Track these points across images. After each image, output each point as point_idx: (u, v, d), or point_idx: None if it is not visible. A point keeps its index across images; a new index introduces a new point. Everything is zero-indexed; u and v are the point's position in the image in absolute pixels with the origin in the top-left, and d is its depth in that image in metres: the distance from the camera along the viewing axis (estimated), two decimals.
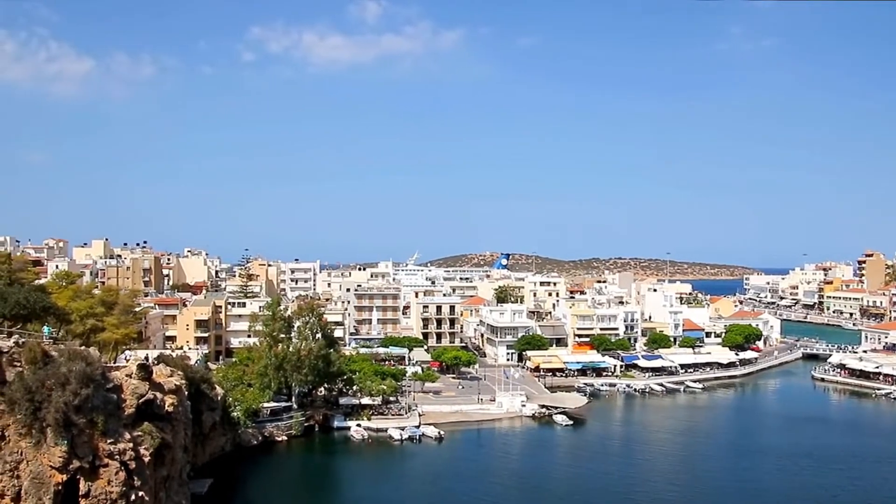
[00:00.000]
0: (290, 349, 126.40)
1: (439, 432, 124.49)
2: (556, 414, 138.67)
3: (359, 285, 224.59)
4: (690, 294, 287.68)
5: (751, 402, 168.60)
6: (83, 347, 66.33)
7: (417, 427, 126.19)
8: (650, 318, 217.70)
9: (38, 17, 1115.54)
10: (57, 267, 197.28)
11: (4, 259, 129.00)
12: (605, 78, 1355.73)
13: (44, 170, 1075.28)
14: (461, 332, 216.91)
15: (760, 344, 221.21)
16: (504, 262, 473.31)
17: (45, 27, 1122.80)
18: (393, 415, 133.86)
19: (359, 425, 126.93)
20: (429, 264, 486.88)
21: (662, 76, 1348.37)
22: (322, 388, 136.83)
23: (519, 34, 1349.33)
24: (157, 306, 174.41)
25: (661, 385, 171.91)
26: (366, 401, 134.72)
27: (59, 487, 56.11)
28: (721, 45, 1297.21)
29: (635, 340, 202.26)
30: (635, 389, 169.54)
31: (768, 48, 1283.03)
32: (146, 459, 61.47)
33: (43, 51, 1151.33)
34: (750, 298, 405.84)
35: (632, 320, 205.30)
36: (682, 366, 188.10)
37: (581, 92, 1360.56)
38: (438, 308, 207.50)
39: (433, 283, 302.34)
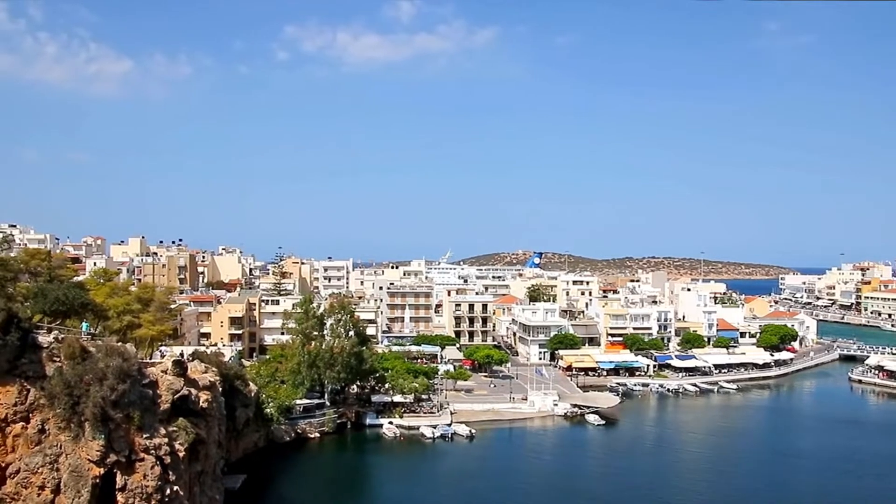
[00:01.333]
0: (323, 346, 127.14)
1: (471, 431, 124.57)
2: (588, 413, 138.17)
3: (391, 283, 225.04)
4: (725, 294, 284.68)
5: (786, 404, 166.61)
6: (120, 343, 67.16)
7: (449, 425, 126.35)
8: (684, 317, 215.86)
9: (79, 18, 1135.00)
10: (95, 264, 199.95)
11: (45, 256, 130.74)
12: (641, 77, 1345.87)
13: (84, 169, 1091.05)
14: (493, 330, 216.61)
15: (796, 345, 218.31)
16: (537, 260, 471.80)
17: (86, 28, 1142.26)
18: (425, 413, 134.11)
19: (391, 423, 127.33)
20: (461, 263, 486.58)
21: (698, 75, 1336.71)
22: (354, 386, 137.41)
23: (554, 32, 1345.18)
24: (192, 303, 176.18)
25: (695, 385, 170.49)
26: (398, 398, 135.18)
27: (97, 480, 56.98)
28: (757, 43, 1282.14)
29: (668, 340, 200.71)
30: (668, 389, 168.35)
31: (805, 45, 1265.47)
32: (181, 454, 62.19)
33: (83, 52, 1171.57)
34: (785, 298, 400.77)
35: (665, 320, 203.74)
36: (716, 366, 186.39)
37: (616, 91, 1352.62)
38: (471, 306, 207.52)
39: (466, 281, 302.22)
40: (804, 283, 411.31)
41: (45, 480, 57.47)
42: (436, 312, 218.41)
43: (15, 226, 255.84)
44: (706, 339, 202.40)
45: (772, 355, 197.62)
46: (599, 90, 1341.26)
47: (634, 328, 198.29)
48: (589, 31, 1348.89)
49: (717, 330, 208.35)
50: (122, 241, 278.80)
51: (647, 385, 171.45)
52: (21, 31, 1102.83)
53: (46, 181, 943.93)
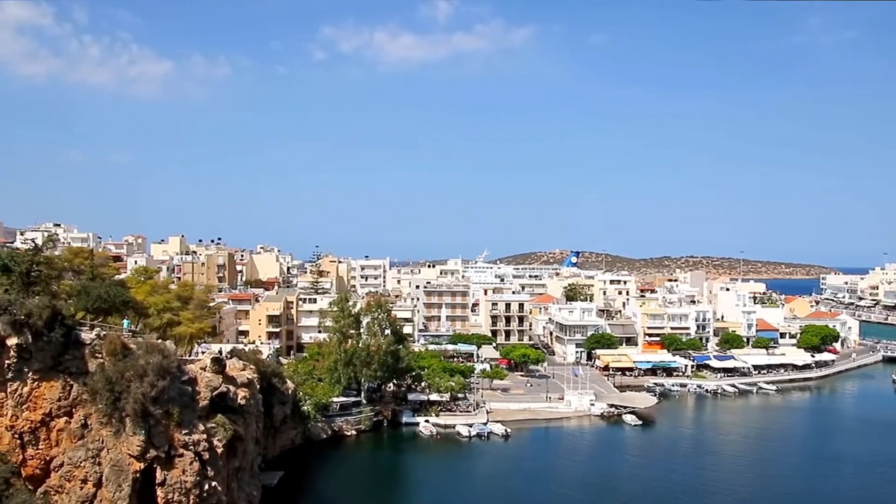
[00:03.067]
0: (360, 345, 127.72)
1: (506, 430, 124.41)
2: (625, 414, 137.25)
3: (428, 282, 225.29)
4: (764, 293, 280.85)
5: (827, 406, 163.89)
6: (160, 341, 68.04)
7: (485, 424, 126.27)
8: (722, 317, 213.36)
9: (121, 21, 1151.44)
10: (136, 263, 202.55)
11: (87, 255, 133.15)
12: (678, 74, 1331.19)
13: (127, 169, 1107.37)
14: (530, 329, 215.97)
15: (837, 346, 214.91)
16: (574, 259, 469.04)
17: (128, 31, 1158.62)
18: (461, 411, 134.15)
19: (427, 421, 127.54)
20: (498, 262, 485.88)
21: (738, 71, 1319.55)
22: (391, 384, 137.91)
23: (590, 31, 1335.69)
24: (230, 301, 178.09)
25: (734, 386, 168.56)
26: (434, 397, 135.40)
27: (137, 475, 57.82)
28: (798, 38, 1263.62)
29: (707, 340, 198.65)
30: (706, 390, 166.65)
31: (849, 41, 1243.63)
32: (219, 450, 62.81)
33: (125, 54, 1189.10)
34: (827, 298, 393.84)
35: (703, 320, 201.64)
36: (755, 367, 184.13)
37: (653, 89, 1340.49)
38: (507, 305, 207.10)
39: (502, 280, 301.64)
40: (846, 283, 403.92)
41: (88, 474, 58.47)
42: (472, 311, 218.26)
43: (59, 225, 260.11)
44: (745, 340, 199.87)
45: (812, 356, 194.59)
46: (635, 89, 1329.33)
47: (672, 328, 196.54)
48: (623, 30, 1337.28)
49: (757, 330, 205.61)
50: (163, 240, 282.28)
51: (684, 385, 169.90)
52: (67, 34, 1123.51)
53: (89, 181, 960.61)
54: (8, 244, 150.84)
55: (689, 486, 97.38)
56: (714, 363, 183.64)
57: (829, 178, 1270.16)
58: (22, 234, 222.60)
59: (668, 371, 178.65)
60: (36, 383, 60.33)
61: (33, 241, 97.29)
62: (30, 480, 60.29)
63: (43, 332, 59.88)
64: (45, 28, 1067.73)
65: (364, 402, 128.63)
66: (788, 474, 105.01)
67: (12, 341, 58.61)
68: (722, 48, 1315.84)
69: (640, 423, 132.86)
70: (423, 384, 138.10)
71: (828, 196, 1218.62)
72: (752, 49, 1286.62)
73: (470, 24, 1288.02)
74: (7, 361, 59.36)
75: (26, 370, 60.01)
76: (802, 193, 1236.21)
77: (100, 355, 61.62)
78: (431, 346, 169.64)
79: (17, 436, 60.30)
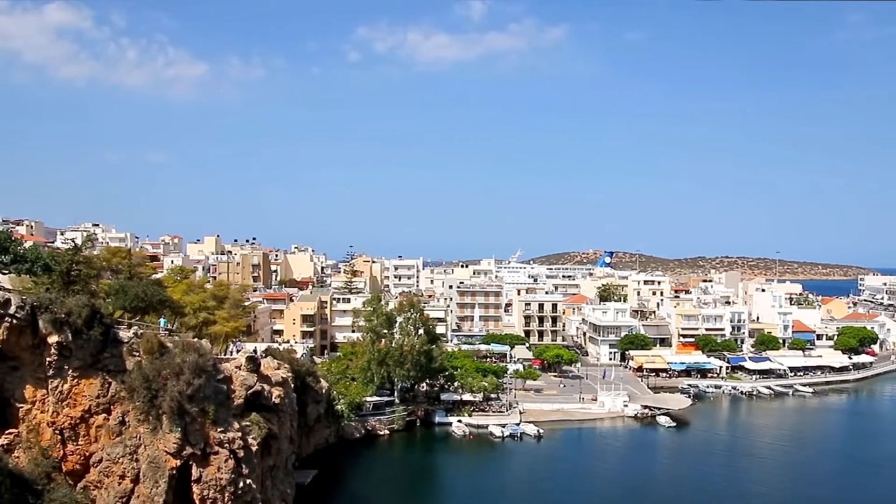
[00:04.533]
0: (393, 345, 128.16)
1: (539, 430, 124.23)
2: (658, 415, 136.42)
3: (461, 282, 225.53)
4: (801, 294, 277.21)
5: (865, 409, 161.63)
6: (196, 339, 68.75)
7: (518, 425, 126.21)
8: (758, 318, 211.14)
9: (159, 24, 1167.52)
10: (172, 262, 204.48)
11: (125, 255, 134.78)
12: (714, 74, 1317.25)
13: (164, 169, 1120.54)
14: (563, 330, 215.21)
15: (876, 348, 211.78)
16: (607, 260, 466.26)
17: (165, 34, 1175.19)
18: (494, 412, 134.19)
19: (460, 421, 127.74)
20: (531, 262, 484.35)
21: (778, 69, 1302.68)
22: (424, 384, 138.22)
23: (626, 29, 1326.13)
24: (265, 301, 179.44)
25: (769, 388, 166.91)
26: (467, 397, 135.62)
27: (174, 472, 58.52)
28: (840, 35, 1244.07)
29: (742, 342, 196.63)
30: (741, 392, 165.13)
31: (893, 36, 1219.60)
32: (254, 449, 63.35)
33: (161, 56, 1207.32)
34: (865, 300, 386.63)
35: (739, 321, 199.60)
36: (791, 369, 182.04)
37: (690, 87, 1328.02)
38: (540, 306, 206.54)
39: (535, 280, 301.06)
40: (885, 284, 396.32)
41: (126, 470, 59.33)
42: (505, 311, 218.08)
43: (98, 225, 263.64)
44: (781, 341, 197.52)
45: (850, 358, 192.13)
46: (671, 86, 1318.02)
47: (707, 329, 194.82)
48: (660, 27, 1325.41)
49: (793, 332, 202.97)
50: (199, 240, 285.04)
51: (719, 387, 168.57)
52: (105, 37, 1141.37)
53: (127, 181, 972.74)
54: (49, 244, 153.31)
55: (723, 489, 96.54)
56: (749, 365, 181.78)
57: (868, 179, 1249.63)
58: (62, 234, 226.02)
59: (703, 372, 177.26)
60: (76, 380, 61.33)
61: (73, 241, 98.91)
62: (70, 475, 61.31)
63: (82, 331, 60.80)
64: (84, 31, 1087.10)
65: (397, 401, 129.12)
66: (824, 478, 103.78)
67: (53, 339, 59.61)
68: (762, 48, 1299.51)
69: (674, 424, 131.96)
70: (455, 384, 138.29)
71: (866, 196, 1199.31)
72: (791, 49, 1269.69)
73: (504, 23, 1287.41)
74: (48, 359, 60.41)
75: (66, 367, 61.02)
76: (840, 194, 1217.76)
77: (137, 353, 62.43)
78: (464, 346, 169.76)
79: (57, 431, 61.37)
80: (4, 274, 74.62)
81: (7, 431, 60.57)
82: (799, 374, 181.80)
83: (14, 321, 58.53)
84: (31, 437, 60.90)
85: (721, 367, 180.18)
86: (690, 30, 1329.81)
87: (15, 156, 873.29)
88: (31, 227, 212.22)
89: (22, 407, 61.06)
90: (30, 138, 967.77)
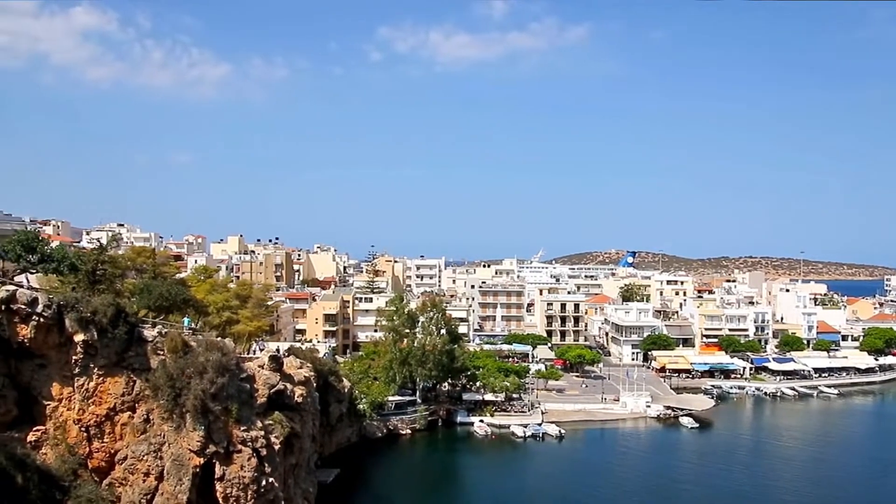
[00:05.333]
0: (415, 344, 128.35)
1: (561, 431, 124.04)
2: (681, 416, 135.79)
3: (483, 282, 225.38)
4: (825, 295, 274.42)
5: (891, 411, 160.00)
6: (219, 339, 69.21)
7: (540, 425, 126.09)
8: (782, 319, 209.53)
9: (183, 25, 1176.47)
10: (196, 262, 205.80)
11: (150, 254, 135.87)
12: (739, 71, 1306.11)
13: (188, 170, 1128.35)
14: (585, 330, 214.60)
15: None
16: (630, 259, 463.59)
17: (188, 35, 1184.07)
18: (516, 412, 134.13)
19: (482, 421, 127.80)
20: (553, 262, 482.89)
21: (803, 67, 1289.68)
22: (446, 384, 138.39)
23: (649, 28, 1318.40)
24: (287, 300, 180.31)
25: (793, 389, 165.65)
26: (489, 397, 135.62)
27: (197, 470, 59.00)
28: (863, 33, 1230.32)
29: (766, 342, 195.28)
30: (765, 393, 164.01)
31: None
32: (276, 447, 63.72)
33: (185, 57, 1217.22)
34: (891, 300, 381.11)
35: (762, 321, 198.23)
36: (816, 370, 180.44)
37: (714, 88, 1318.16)
38: (563, 306, 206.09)
39: (558, 280, 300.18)
40: None
41: (150, 468, 59.91)
42: (527, 311, 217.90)
43: (123, 225, 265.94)
44: (805, 342, 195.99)
45: (876, 360, 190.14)
46: (694, 85, 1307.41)
47: (730, 329, 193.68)
48: (683, 26, 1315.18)
49: (818, 332, 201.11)
50: (222, 240, 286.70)
51: (742, 388, 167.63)
52: (130, 39, 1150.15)
53: (151, 182, 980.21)
54: (75, 244, 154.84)
55: (746, 492, 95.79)
56: (773, 366, 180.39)
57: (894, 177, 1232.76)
58: (88, 233, 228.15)
59: (726, 373, 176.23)
60: (101, 378, 61.99)
61: (98, 241, 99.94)
62: (96, 472, 62.00)
63: (108, 329, 61.44)
64: (110, 33, 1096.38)
65: (419, 401, 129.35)
66: (849, 481, 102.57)
67: (79, 338, 60.27)
68: (790, 40, 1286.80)
69: (696, 425, 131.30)
70: (477, 384, 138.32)
71: (893, 195, 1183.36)
72: (821, 42, 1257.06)
73: (525, 22, 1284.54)
74: (74, 357, 61.10)
75: (92, 366, 61.68)
76: (866, 193, 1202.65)
77: (161, 352, 62.99)
78: (486, 346, 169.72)
79: (83, 429, 62.08)
80: (32, 273, 75.53)
81: (35, 428, 61.34)
82: (824, 375, 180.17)
83: (41, 320, 59.28)
84: (58, 434, 61.64)
85: (744, 368, 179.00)
86: (715, 29, 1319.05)
87: (42, 156, 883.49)
88: (58, 227, 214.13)
89: (49, 404, 61.81)
90: (57, 139, 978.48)
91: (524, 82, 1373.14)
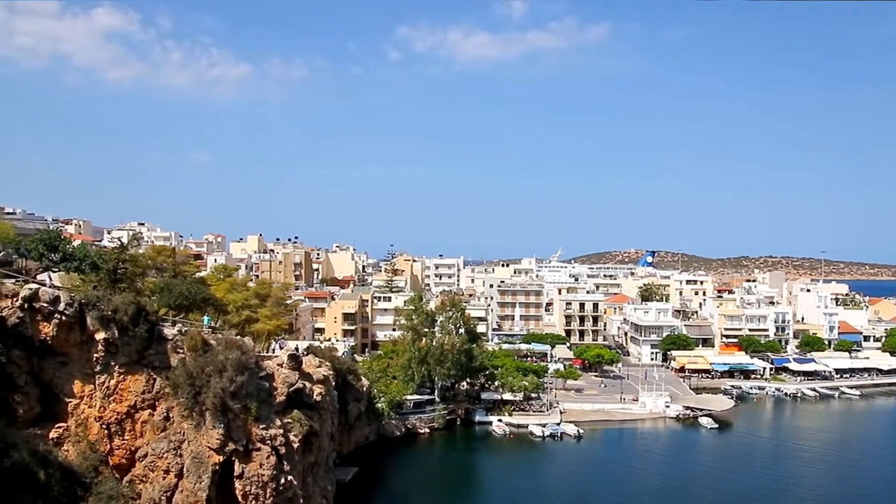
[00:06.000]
0: (434, 343, 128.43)
1: (579, 430, 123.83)
2: (700, 416, 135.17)
3: (502, 281, 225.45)
4: (847, 295, 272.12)
5: None
6: (238, 337, 69.52)
7: (558, 424, 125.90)
8: (803, 319, 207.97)
9: (203, 26, 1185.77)
10: (215, 261, 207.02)
11: (170, 253, 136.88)
12: (764, 68, 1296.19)
13: (207, 169, 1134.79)
14: (604, 329, 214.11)
15: None
16: (649, 259, 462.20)
17: (208, 35, 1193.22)
18: (534, 411, 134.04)
19: (500, 420, 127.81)
20: (572, 261, 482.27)
21: (827, 64, 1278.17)
22: (464, 383, 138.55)
23: (668, 26, 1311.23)
24: (306, 299, 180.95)
25: (814, 390, 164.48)
26: (507, 396, 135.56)
27: (217, 467, 59.30)
28: (886, 30, 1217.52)
29: (786, 343, 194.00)
30: (786, 393, 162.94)
31: None
32: (295, 445, 63.91)
33: (205, 58, 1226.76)
34: None
35: (783, 321, 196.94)
36: (837, 371, 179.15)
37: (735, 86, 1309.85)
38: (581, 305, 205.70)
39: (576, 280, 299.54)
40: None
41: (170, 465, 60.30)
42: (546, 311, 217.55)
43: (143, 224, 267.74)
44: (826, 343, 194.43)
45: None
46: (716, 82, 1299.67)
47: (750, 330, 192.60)
48: (704, 23, 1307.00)
49: (839, 333, 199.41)
50: (241, 239, 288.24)
51: (762, 388, 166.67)
52: (151, 40, 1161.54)
53: (171, 181, 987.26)
54: (96, 243, 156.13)
55: (766, 493, 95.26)
56: (793, 366, 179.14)
57: None
58: (109, 232, 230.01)
59: (746, 374, 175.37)
60: (122, 376, 62.43)
61: (119, 240, 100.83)
62: (117, 469, 62.44)
63: (128, 328, 61.83)
64: (131, 34, 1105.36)
65: (437, 400, 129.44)
66: (871, 484, 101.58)
67: (100, 336, 60.72)
68: (815, 36, 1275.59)
69: (716, 426, 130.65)
70: (496, 383, 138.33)
71: None
72: (844, 40, 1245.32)
73: (544, 21, 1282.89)
74: (95, 355, 61.56)
75: (113, 364, 62.12)
76: (888, 192, 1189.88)
77: (181, 350, 63.31)
78: (505, 346, 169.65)
79: (104, 426, 62.54)
80: (54, 272, 76.23)
81: (57, 425, 61.87)
82: (845, 376, 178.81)
83: (63, 318, 59.78)
84: (79, 431, 62.15)
85: (764, 369, 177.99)
86: (735, 27, 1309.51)
87: (64, 156, 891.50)
88: (80, 226, 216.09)
89: (71, 402, 62.33)
90: (79, 139, 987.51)
91: (543, 82, 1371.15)
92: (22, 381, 59.69)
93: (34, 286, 60.44)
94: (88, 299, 61.29)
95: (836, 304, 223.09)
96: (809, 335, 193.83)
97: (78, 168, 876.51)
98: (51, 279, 67.71)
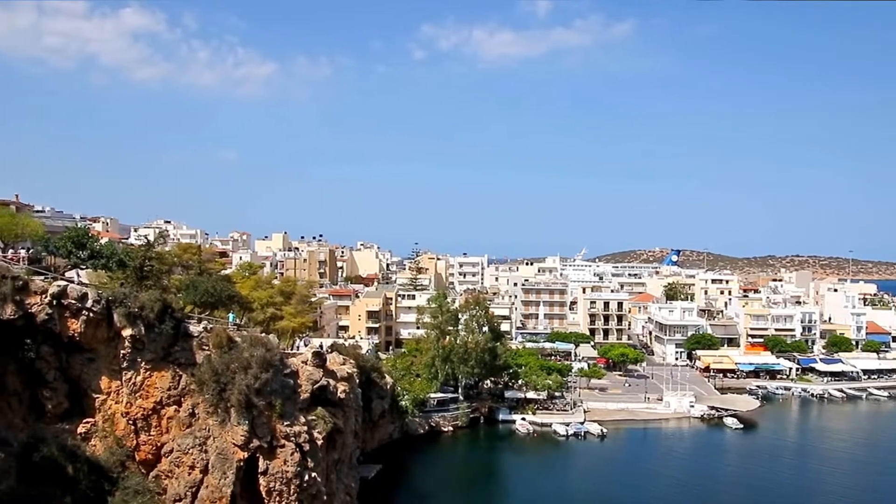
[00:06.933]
0: (457, 341, 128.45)
1: (603, 430, 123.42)
2: (725, 416, 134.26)
3: (526, 280, 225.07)
4: (875, 295, 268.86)
5: None
6: (263, 334, 69.92)
7: (582, 423, 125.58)
8: (830, 319, 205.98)
9: (229, 26, 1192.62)
10: (241, 258, 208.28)
11: (195, 251, 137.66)
12: (791, 65, 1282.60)
13: (233, 167, 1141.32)
14: (629, 328, 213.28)
15: None
16: (674, 258, 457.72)
17: (235, 35, 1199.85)
18: (558, 410, 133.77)
19: (523, 419, 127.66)
20: (597, 260, 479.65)
21: (861, 62, 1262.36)
22: (488, 381, 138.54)
23: (695, 22, 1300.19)
24: (331, 297, 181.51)
25: (841, 391, 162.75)
26: (531, 395, 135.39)
27: (241, 464, 59.73)
28: None
29: (813, 343, 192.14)
30: (812, 394, 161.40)
31: None
32: (319, 442, 64.21)
33: (231, 57, 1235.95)
34: None
35: (810, 321, 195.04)
36: (865, 371, 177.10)
37: (761, 79, 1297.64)
38: (606, 304, 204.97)
39: (601, 278, 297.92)
40: None
41: (195, 461, 60.80)
42: (570, 309, 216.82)
43: (169, 222, 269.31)
44: (854, 343, 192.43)
45: None
46: (741, 79, 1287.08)
47: (776, 329, 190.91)
48: (730, 19, 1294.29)
49: (867, 333, 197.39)
50: (266, 237, 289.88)
51: (789, 389, 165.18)
52: (177, 39, 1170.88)
53: (197, 179, 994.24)
54: (123, 240, 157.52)
55: (791, 495, 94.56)
56: (820, 367, 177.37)
57: None
58: (136, 230, 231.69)
59: (772, 374, 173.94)
60: (148, 373, 63.05)
61: (146, 238, 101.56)
62: (143, 464, 63.09)
63: (154, 325, 62.45)
64: (158, 34, 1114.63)
65: (461, 398, 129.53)
66: None
67: (127, 332, 61.35)
68: (848, 33, 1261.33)
69: (741, 426, 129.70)
70: (520, 382, 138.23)
71: None
72: (873, 41, 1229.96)
73: (569, 19, 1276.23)
74: (122, 351, 62.20)
75: (139, 360, 62.76)
76: None
77: (207, 347, 63.77)
78: (529, 344, 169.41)
79: (131, 422, 63.18)
80: (82, 269, 77.01)
81: (84, 420, 62.59)
82: (873, 377, 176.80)
83: (91, 314, 60.43)
84: (106, 426, 62.83)
85: (791, 369, 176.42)
86: (765, 18, 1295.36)
87: (92, 155, 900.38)
88: (107, 224, 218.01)
89: (98, 397, 62.99)
90: (106, 138, 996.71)
91: (568, 80, 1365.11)
92: (51, 377, 60.50)
93: (63, 283, 61.11)
94: (115, 296, 61.90)
95: (864, 304, 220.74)
96: (837, 335, 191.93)
97: (105, 166, 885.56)
98: (79, 276, 68.28)
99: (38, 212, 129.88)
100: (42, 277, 61.91)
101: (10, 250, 75.09)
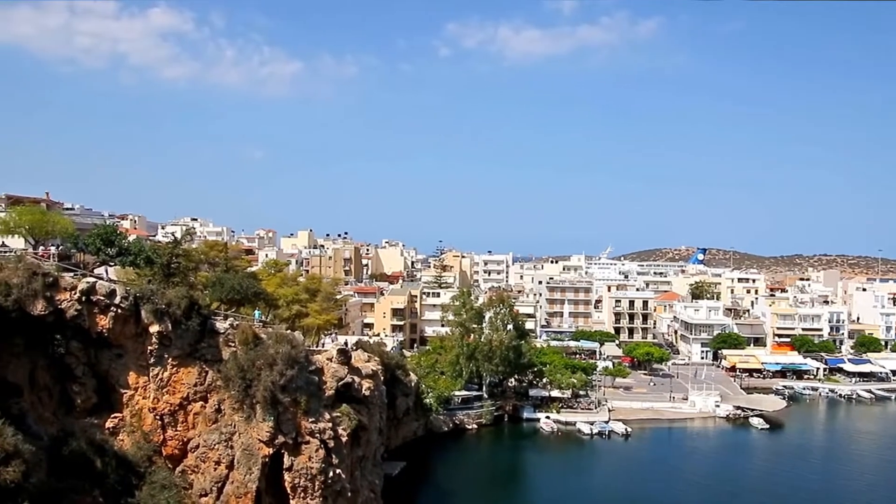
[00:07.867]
0: (482, 339, 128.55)
1: (627, 429, 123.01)
2: (751, 416, 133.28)
3: (551, 278, 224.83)
4: None
5: None
6: (289, 331, 70.26)
7: (606, 422, 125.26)
8: (858, 319, 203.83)
9: (255, 24, 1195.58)
10: (266, 256, 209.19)
11: (222, 248, 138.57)
12: (820, 63, 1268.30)
13: (260, 165, 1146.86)
14: (654, 327, 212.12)
15: None
16: (700, 256, 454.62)
17: (260, 33, 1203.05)
18: (582, 409, 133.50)
19: (548, 417, 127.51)
20: (622, 258, 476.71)
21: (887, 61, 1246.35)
22: (512, 379, 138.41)
23: (723, 19, 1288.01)
24: (356, 294, 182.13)
25: (870, 392, 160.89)
26: (555, 393, 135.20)
27: (266, 460, 60.17)
28: None
29: (841, 343, 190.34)
30: (840, 395, 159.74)
31: None
32: (344, 439, 64.50)
33: (257, 55, 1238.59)
34: None
35: (837, 321, 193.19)
36: (894, 372, 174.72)
37: (788, 77, 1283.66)
38: (631, 302, 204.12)
39: (626, 277, 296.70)
40: None
41: (221, 456, 61.32)
42: (595, 308, 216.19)
43: (196, 219, 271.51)
44: (883, 343, 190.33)
45: None
46: (770, 77, 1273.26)
47: (803, 329, 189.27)
48: (759, 15, 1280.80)
49: None
50: (292, 234, 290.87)
51: (816, 389, 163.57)
52: (205, 38, 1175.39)
53: (224, 177, 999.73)
54: (150, 237, 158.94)
55: (817, 496, 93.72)
56: (848, 367, 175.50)
57: None
58: (163, 227, 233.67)
59: (799, 374, 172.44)
60: (175, 369, 63.62)
61: (173, 235, 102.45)
62: (169, 459, 63.68)
63: (181, 321, 62.95)
64: (186, 33, 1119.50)
65: (485, 396, 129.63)
66: None
67: (154, 329, 61.90)
68: (873, 29, 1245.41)
69: (767, 426, 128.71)
70: (544, 380, 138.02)
71: None
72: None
73: (595, 16, 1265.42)
74: (149, 347, 62.79)
75: (166, 356, 63.33)
76: None
77: (233, 344, 64.19)
78: (553, 342, 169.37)
79: (158, 417, 63.80)
80: (111, 266, 77.82)
81: (112, 415, 63.28)
82: None
83: (119, 311, 61.03)
84: (133, 421, 63.49)
85: (818, 369, 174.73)
86: (795, 14, 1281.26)
87: (120, 153, 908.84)
88: (135, 221, 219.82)
89: (126, 393, 63.65)
90: (135, 137, 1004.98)
91: (594, 77, 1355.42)
92: (79, 372, 61.18)
93: (91, 280, 61.75)
94: (143, 293, 62.47)
95: (894, 304, 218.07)
96: (865, 335, 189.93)
97: (133, 164, 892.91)
98: (107, 273, 68.93)
99: (67, 209, 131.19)
100: (71, 274, 62.59)
101: (41, 247, 75.99)
